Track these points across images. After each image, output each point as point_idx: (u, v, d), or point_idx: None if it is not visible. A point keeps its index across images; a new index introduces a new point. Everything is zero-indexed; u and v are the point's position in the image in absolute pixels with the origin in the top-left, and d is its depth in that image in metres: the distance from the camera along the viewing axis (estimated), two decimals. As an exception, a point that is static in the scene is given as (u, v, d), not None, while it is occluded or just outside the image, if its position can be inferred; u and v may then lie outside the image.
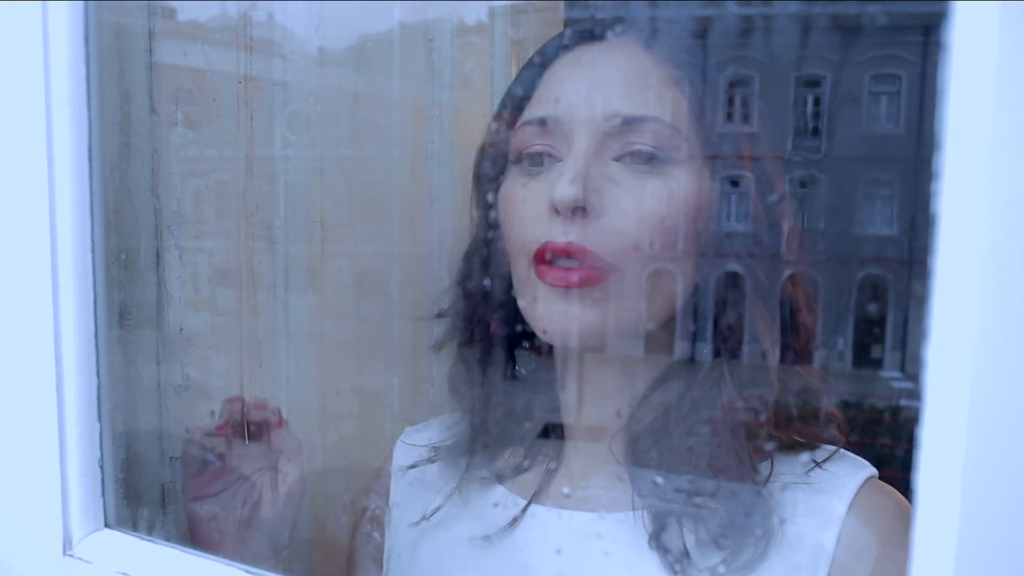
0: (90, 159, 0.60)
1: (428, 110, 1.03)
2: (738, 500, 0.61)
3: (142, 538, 0.63)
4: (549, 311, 0.62)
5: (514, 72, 0.73)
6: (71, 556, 0.61)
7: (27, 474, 0.62)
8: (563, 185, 0.59)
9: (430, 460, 0.74)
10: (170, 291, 0.84)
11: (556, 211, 0.60)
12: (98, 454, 0.62)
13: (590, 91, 0.63)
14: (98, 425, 0.62)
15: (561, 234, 0.60)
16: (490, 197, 0.68)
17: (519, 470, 0.70)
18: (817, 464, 0.63)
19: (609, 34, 0.65)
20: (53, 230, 0.59)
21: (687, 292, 0.63)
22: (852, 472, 0.62)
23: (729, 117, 0.65)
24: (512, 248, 0.65)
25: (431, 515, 0.71)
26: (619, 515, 0.64)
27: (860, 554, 0.59)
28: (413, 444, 0.77)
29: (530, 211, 0.63)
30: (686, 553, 0.61)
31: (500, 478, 0.70)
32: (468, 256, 0.73)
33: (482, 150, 0.71)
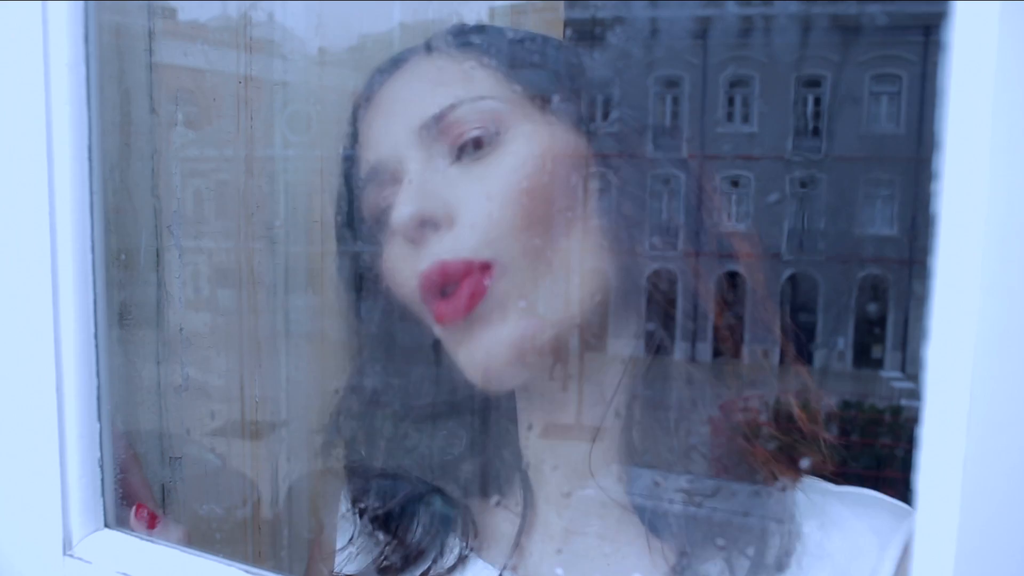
0: (90, 159, 0.60)
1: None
2: (754, 514, 0.55)
3: (142, 538, 0.63)
4: (470, 354, 0.56)
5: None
6: (71, 556, 0.61)
7: (27, 474, 0.62)
8: (398, 208, 0.55)
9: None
10: (170, 291, 0.84)
11: (412, 241, 0.56)
12: (98, 454, 0.62)
13: (390, 122, 0.59)
14: (98, 425, 0.62)
15: (426, 260, 0.55)
16: (366, 273, 0.64)
17: (486, 540, 0.62)
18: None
19: (392, 68, 0.63)
20: (53, 230, 0.58)
21: (603, 276, 0.57)
22: (894, 524, 0.54)
23: (729, 117, 0.62)
24: (415, 310, 0.59)
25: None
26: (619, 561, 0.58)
27: None
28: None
29: (398, 261, 0.59)
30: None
31: (472, 552, 0.62)
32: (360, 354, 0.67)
33: (341, 226, 0.67)
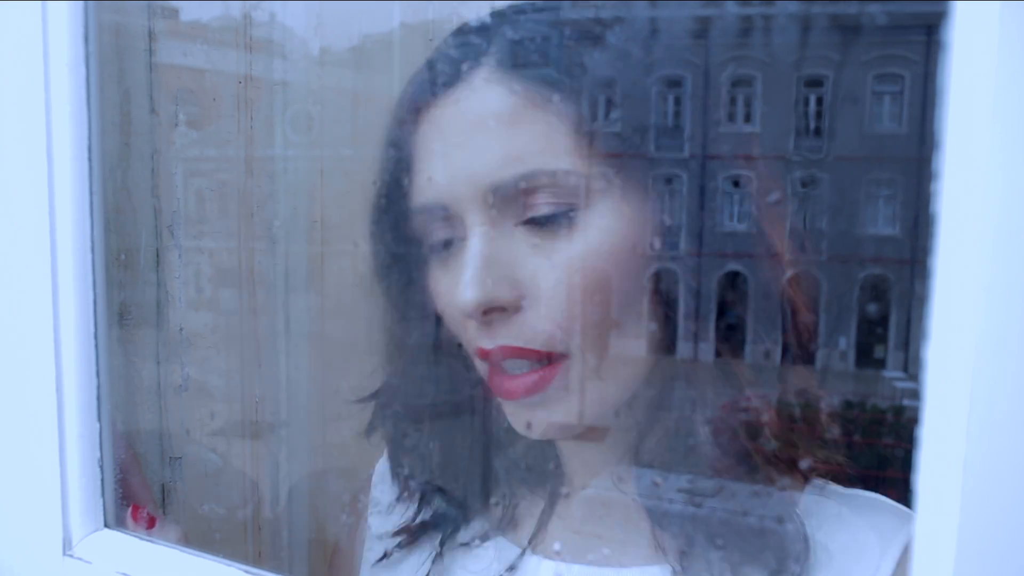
0: (90, 159, 0.60)
1: (429, 110, 1.03)
2: (766, 525, 0.54)
3: (142, 538, 0.63)
4: (515, 416, 0.55)
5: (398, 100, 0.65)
6: (71, 556, 0.61)
7: (27, 474, 0.62)
8: (462, 290, 0.51)
9: (400, 548, 0.66)
10: (170, 291, 0.84)
11: (468, 316, 0.52)
12: (98, 454, 0.62)
13: (454, 162, 0.53)
14: (98, 425, 0.62)
15: (489, 340, 0.52)
16: (407, 280, 0.61)
17: (511, 521, 0.63)
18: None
19: (455, 73, 0.54)
20: (53, 230, 0.59)
21: (661, 340, 0.55)
22: (895, 528, 0.53)
23: (730, 117, 0.61)
24: (458, 336, 0.57)
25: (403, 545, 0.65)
26: (623, 570, 0.58)
27: None
28: (386, 478, 0.71)
29: (454, 310, 0.55)
30: None
31: (490, 534, 0.64)
32: (398, 338, 0.66)
33: (383, 227, 0.62)
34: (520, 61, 0.52)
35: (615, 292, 0.52)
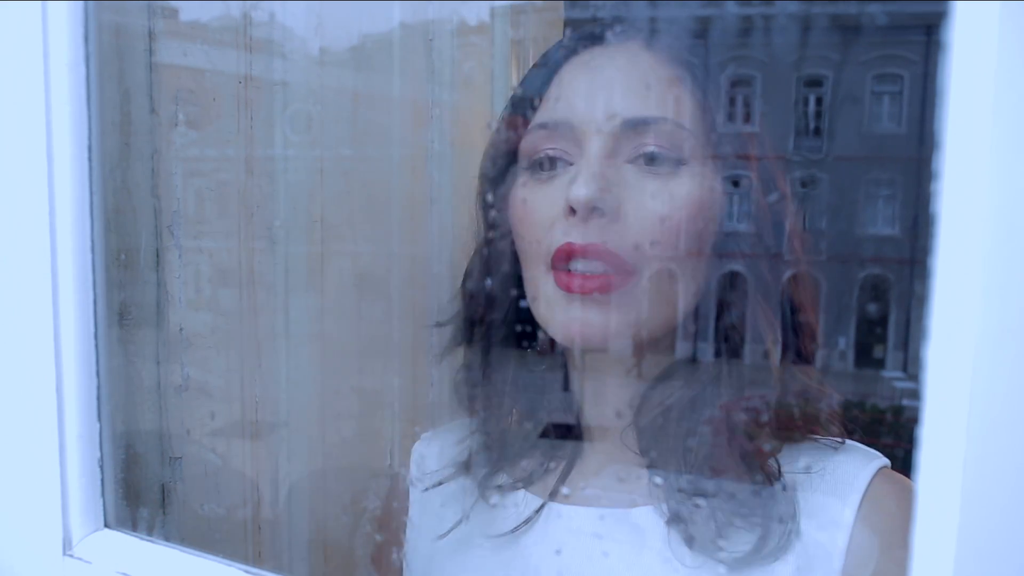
0: (90, 159, 0.60)
1: (428, 110, 1.03)
2: (750, 497, 0.61)
3: (142, 538, 0.63)
4: (569, 318, 0.61)
5: (514, 72, 0.72)
6: (71, 556, 0.61)
7: (27, 474, 0.62)
8: (579, 185, 0.59)
9: (451, 478, 0.73)
10: (170, 291, 0.84)
11: (572, 212, 0.60)
12: (98, 454, 0.62)
13: (597, 95, 0.63)
14: (98, 425, 0.62)
15: (580, 236, 0.60)
16: (496, 201, 0.67)
17: (535, 472, 0.70)
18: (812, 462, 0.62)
19: (610, 36, 0.65)
20: (53, 230, 0.59)
21: (698, 293, 0.63)
22: (862, 465, 0.61)
23: (731, 117, 0.65)
24: (527, 252, 0.64)
25: (451, 530, 0.70)
26: (619, 512, 0.65)
27: (872, 552, 0.59)
28: (428, 454, 0.76)
29: (545, 215, 0.62)
30: (697, 546, 0.60)
31: (520, 483, 0.69)
32: (475, 260, 0.72)
33: (489, 154, 0.70)
34: (665, 45, 0.64)
35: (690, 238, 0.61)
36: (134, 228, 0.81)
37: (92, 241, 0.60)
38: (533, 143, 0.64)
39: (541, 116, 0.65)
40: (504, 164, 0.68)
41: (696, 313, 0.64)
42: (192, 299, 0.88)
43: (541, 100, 0.66)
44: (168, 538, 0.64)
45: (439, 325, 0.74)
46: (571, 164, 0.62)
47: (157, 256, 0.83)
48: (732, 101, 0.65)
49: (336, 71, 1.00)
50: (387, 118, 1.06)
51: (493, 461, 0.71)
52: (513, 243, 0.67)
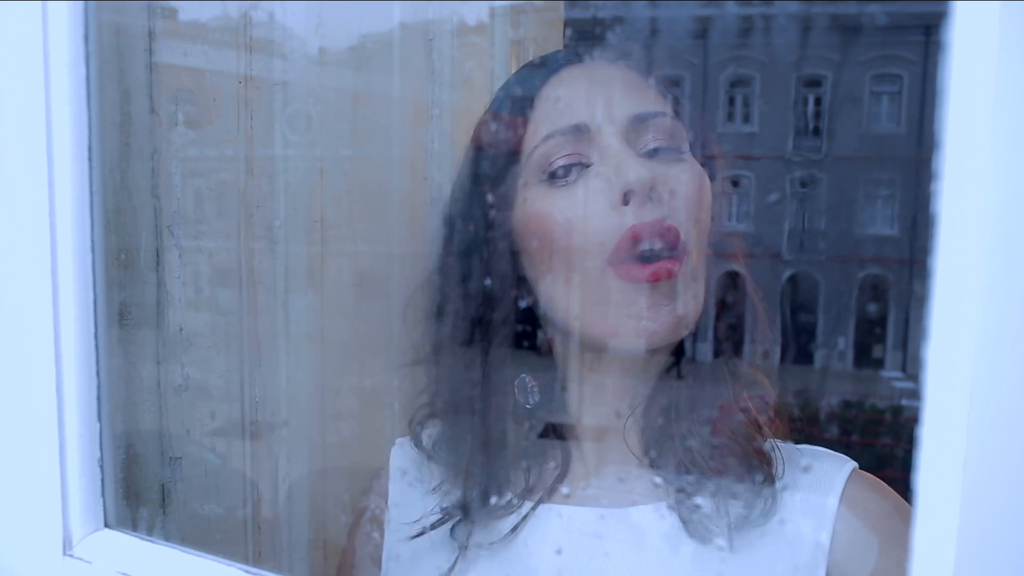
0: (90, 159, 0.60)
1: (428, 110, 1.03)
2: (750, 496, 0.62)
3: (142, 538, 0.63)
4: (640, 310, 0.61)
5: (515, 72, 0.72)
6: (71, 556, 0.61)
7: (27, 474, 0.62)
8: (630, 171, 0.61)
9: (429, 458, 0.73)
10: (170, 291, 0.84)
11: (625, 201, 0.61)
12: (98, 454, 0.62)
13: (602, 97, 0.65)
14: (98, 425, 0.62)
15: (647, 214, 0.61)
16: (499, 215, 0.67)
17: (535, 473, 0.70)
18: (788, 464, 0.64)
19: (592, 56, 0.69)
20: (53, 230, 0.58)
21: (706, 288, 0.65)
22: (836, 468, 0.64)
23: (730, 117, 0.66)
24: (565, 262, 0.65)
25: (437, 525, 0.70)
26: (619, 512, 0.65)
27: (855, 548, 0.61)
28: (411, 447, 0.76)
29: (586, 215, 0.63)
30: (696, 544, 0.61)
31: (506, 483, 0.69)
32: (464, 268, 0.71)
33: (493, 172, 0.70)
34: (647, 67, 0.68)
35: (706, 215, 0.64)
36: (134, 228, 0.81)
37: (92, 241, 0.60)
38: (545, 154, 0.65)
39: (543, 126, 0.66)
40: (511, 179, 0.68)
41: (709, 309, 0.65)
42: (192, 299, 0.88)
43: (541, 113, 0.67)
44: (168, 538, 0.64)
45: (437, 316, 0.73)
46: (588, 166, 0.64)
47: (157, 256, 0.83)
48: (732, 101, 0.65)
49: (336, 71, 1.00)
50: (387, 118, 1.06)
51: (492, 461, 0.71)
52: (515, 254, 0.67)
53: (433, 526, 0.70)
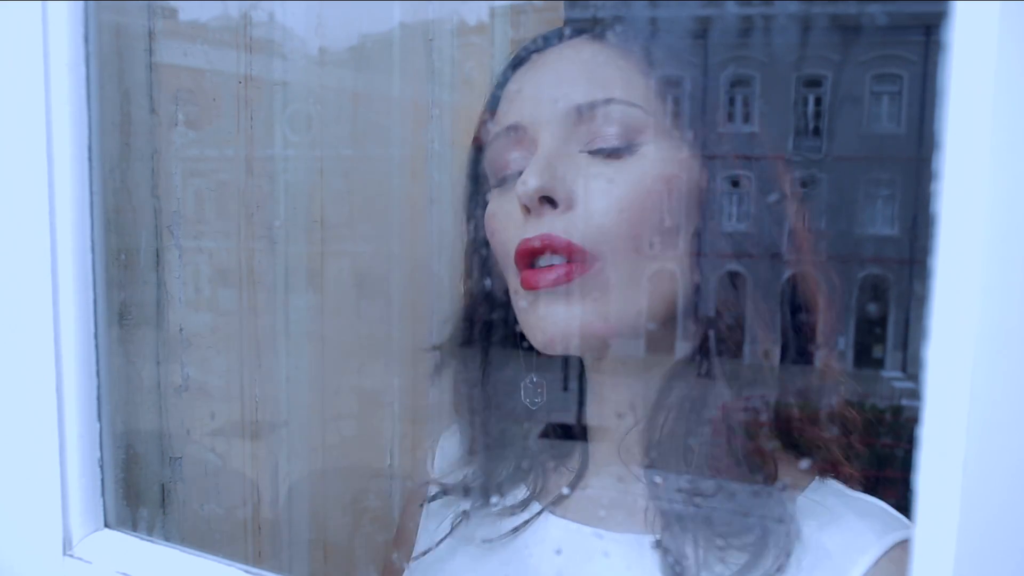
0: (90, 159, 0.60)
1: (428, 110, 1.03)
2: (754, 514, 0.58)
3: (142, 538, 0.63)
4: (539, 317, 0.59)
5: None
6: (71, 556, 0.61)
7: (27, 474, 0.62)
8: (525, 177, 0.58)
9: (448, 492, 0.72)
10: (170, 291, 0.84)
11: (527, 209, 0.59)
12: (98, 454, 0.62)
13: (541, 90, 0.62)
14: (98, 425, 0.62)
15: (534, 229, 0.58)
16: (476, 219, 0.67)
17: (535, 473, 0.70)
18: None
19: (554, 38, 0.65)
20: (53, 230, 0.59)
21: (686, 288, 0.61)
22: (881, 532, 0.56)
23: (730, 117, 0.64)
24: (501, 265, 0.64)
25: (451, 531, 0.70)
26: (622, 518, 0.64)
27: None
28: (449, 448, 0.77)
29: (505, 220, 0.62)
30: (692, 560, 0.58)
31: (520, 483, 0.70)
32: (465, 277, 0.72)
33: (468, 176, 0.69)
34: (613, 27, 0.62)
35: (653, 219, 0.59)
36: (134, 228, 0.81)
37: (92, 241, 0.60)
38: (493, 158, 0.64)
39: (496, 127, 0.64)
40: (480, 185, 0.67)
41: (689, 311, 0.61)
42: (192, 299, 0.88)
43: (496, 114, 0.65)
44: (168, 538, 0.64)
45: (441, 347, 0.73)
46: (520, 172, 0.61)
47: (157, 256, 0.83)
48: (731, 101, 0.64)
49: (336, 71, 1.00)
50: (387, 118, 1.06)
51: (492, 462, 0.71)
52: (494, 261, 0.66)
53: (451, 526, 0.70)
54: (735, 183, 0.63)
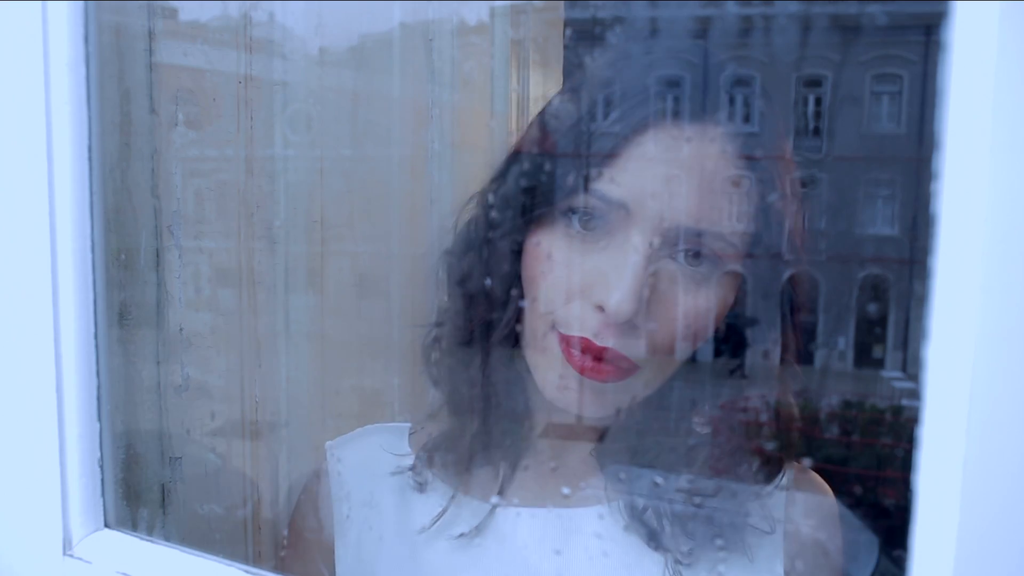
0: (90, 159, 0.60)
1: (428, 110, 1.03)
2: (733, 504, 0.64)
3: (142, 538, 0.63)
4: (569, 389, 0.61)
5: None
6: (71, 556, 0.61)
7: (27, 474, 0.62)
8: (621, 295, 0.56)
9: (426, 465, 0.73)
10: (170, 291, 0.84)
11: (601, 310, 0.58)
12: (98, 454, 0.62)
13: (662, 193, 0.59)
14: (98, 425, 0.62)
15: (600, 339, 0.58)
16: (532, 212, 0.64)
17: (533, 473, 0.70)
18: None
19: (698, 117, 0.60)
20: (53, 230, 0.59)
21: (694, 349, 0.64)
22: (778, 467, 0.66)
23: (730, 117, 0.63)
24: (538, 304, 0.63)
25: (432, 524, 0.70)
26: (602, 507, 0.66)
27: (803, 547, 0.65)
28: (391, 451, 0.76)
29: (568, 282, 0.61)
30: (676, 552, 0.62)
31: (506, 483, 0.70)
32: (467, 258, 0.71)
33: (528, 179, 0.65)
34: (739, 135, 0.60)
35: (702, 335, 0.61)
36: (134, 228, 0.81)
37: (92, 241, 0.60)
38: (583, 201, 0.60)
39: (603, 185, 0.59)
40: (539, 196, 0.63)
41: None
42: (192, 299, 0.88)
43: (607, 164, 0.60)
44: (168, 538, 0.64)
45: (439, 326, 0.74)
46: (609, 235, 0.59)
47: (157, 256, 0.83)
48: (731, 101, 0.64)
49: (336, 71, 1.00)
50: (387, 118, 1.06)
51: (473, 455, 0.71)
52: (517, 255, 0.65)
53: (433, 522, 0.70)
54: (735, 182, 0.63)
